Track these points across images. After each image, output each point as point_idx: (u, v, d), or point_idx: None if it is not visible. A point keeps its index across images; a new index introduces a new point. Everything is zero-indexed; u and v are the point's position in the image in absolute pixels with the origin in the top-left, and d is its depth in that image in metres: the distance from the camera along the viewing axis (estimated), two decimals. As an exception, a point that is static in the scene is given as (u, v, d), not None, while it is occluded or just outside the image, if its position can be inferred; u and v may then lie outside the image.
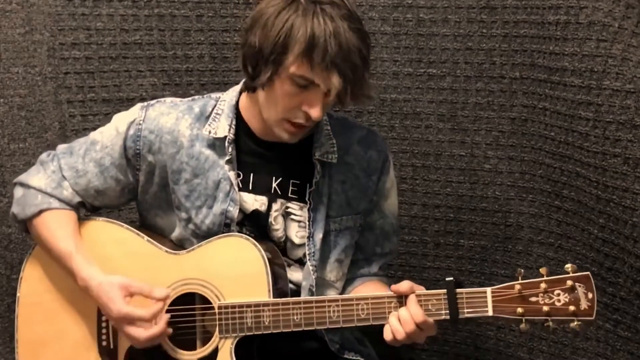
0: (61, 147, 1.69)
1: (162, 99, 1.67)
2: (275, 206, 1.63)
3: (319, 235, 1.63)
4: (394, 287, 1.49)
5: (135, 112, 1.65)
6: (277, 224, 1.63)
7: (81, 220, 1.66)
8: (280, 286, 1.58)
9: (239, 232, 1.61)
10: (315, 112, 1.47)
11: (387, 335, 1.48)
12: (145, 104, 1.66)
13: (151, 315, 1.50)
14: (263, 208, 1.63)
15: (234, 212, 1.60)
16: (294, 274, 1.64)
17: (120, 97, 2.10)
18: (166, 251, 1.61)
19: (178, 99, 1.68)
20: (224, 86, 2.14)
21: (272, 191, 1.63)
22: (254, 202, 1.62)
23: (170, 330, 1.54)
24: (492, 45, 1.98)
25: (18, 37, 1.99)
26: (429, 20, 2.02)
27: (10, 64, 1.99)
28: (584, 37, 1.77)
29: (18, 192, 1.66)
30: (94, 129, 1.75)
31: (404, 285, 1.48)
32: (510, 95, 1.99)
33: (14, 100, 2.00)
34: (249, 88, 1.59)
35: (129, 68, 2.10)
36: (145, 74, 2.11)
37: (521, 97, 1.97)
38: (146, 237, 1.62)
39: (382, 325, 1.51)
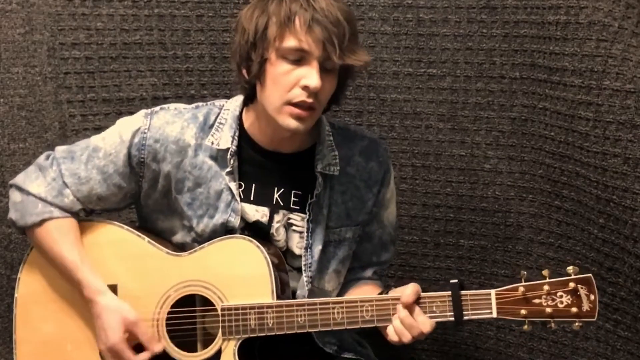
0: (60, 151, 1.65)
1: (166, 106, 1.66)
2: (277, 217, 1.63)
3: (317, 247, 1.63)
4: (402, 300, 1.47)
5: (139, 119, 1.63)
6: (278, 235, 1.63)
7: (82, 222, 1.65)
8: (287, 294, 1.59)
9: None
10: (312, 81, 1.46)
11: (392, 336, 1.48)
12: (149, 111, 1.65)
13: None
14: (264, 219, 1.62)
15: (235, 222, 1.60)
16: (292, 282, 1.64)
17: (120, 97, 2.10)
18: (167, 253, 1.60)
19: (182, 106, 1.66)
20: (224, 86, 2.14)
21: (274, 202, 1.62)
22: (255, 213, 1.62)
23: None
24: (492, 45, 1.98)
25: (18, 37, 1.99)
26: (429, 20, 2.02)
27: (10, 64, 1.99)
28: (584, 37, 1.77)
29: (15, 196, 1.63)
30: (94, 129, 1.75)
31: (410, 296, 1.47)
32: (510, 95, 1.99)
33: (14, 100, 2.00)
34: (249, 97, 1.61)
35: (129, 68, 2.10)
36: (145, 74, 2.11)
37: (521, 97, 1.97)
38: (147, 239, 1.61)
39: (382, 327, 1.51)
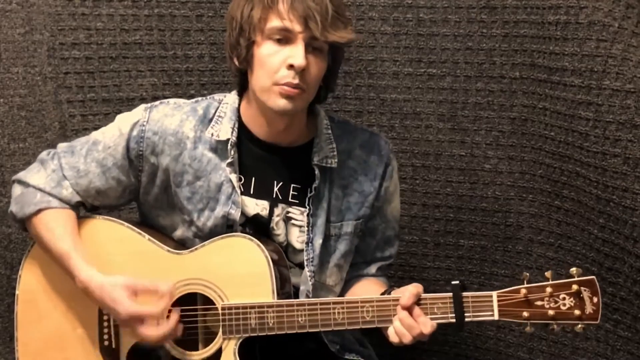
0: (62, 146, 1.67)
1: (166, 100, 1.67)
2: (277, 211, 1.63)
3: (318, 241, 1.63)
4: (401, 302, 1.47)
5: (138, 113, 1.64)
6: (278, 229, 1.63)
7: (81, 218, 1.65)
8: (287, 290, 1.59)
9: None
10: (296, 59, 1.47)
11: (394, 338, 1.48)
12: (149, 105, 1.65)
13: (161, 311, 1.50)
14: (264, 213, 1.62)
15: (236, 214, 1.60)
16: (293, 278, 1.64)
17: (120, 97, 2.10)
18: (168, 251, 1.60)
19: (181, 100, 1.67)
20: (224, 86, 2.14)
21: (274, 195, 1.63)
22: (255, 206, 1.62)
23: (181, 327, 1.54)
24: (492, 45, 1.98)
25: (18, 37, 1.99)
26: (429, 20, 2.02)
27: (10, 64, 1.99)
28: (584, 37, 1.77)
29: (16, 190, 1.65)
30: (94, 128, 1.74)
31: (410, 298, 1.46)
32: (510, 95, 1.99)
33: (14, 100, 2.00)
34: (242, 87, 1.63)
35: (129, 68, 2.10)
36: (145, 74, 2.11)
37: (521, 97, 1.97)
38: (147, 236, 1.61)
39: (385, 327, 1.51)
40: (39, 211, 1.61)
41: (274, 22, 1.49)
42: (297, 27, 1.48)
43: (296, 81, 1.49)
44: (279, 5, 1.48)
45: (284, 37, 1.49)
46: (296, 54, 1.48)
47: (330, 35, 1.48)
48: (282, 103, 1.51)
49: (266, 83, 1.51)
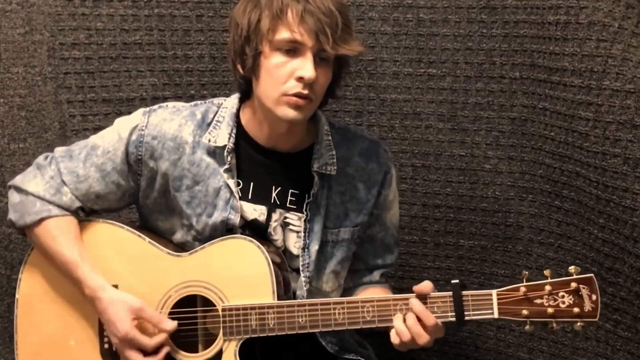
0: (59, 150, 1.66)
1: (165, 104, 1.67)
2: (274, 216, 1.63)
3: (314, 247, 1.62)
4: (416, 287, 1.48)
5: (137, 117, 1.64)
6: (276, 235, 1.63)
7: (82, 222, 1.65)
8: (290, 295, 1.59)
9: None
10: (306, 72, 1.47)
11: (394, 339, 1.49)
12: (148, 109, 1.65)
13: (154, 346, 1.54)
14: (262, 218, 1.62)
15: (235, 219, 1.60)
16: (291, 283, 1.64)
17: (120, 97, 2.10)
18: (168, 253, 1.60)
19: (180, 104, 1.67)
20: (224, 86, 2.14)
21: (272, 201, 1.62)
22: (253, 211, 1.62)
23: None
24: (492, 45, 1.98)
25: (18, 37, 1.99)
26: (429, 20, 2.02)
27: (10, 64, 1.98)
28: (584, 37, 1.77)
29: (14, 197, 1.64)
30: (94, 129, 1.74)
31: (427, 286, 1.48)
32: (510, 95, 1.99)
33: (14, 100, 2.00)
34: (245, 93, 1.62)
35: (129, 68, 2.10)
36: (145, 74, 2.11)
37: (521, 97, 1.97)
38: (148, 239, 1.61)
39: (385, 328, 1.51)
40: (40, 220, 1.61)
41: (283, 34, 1.47)
42: (307, 41, 1.47)
43: (306, 92, 1.49)
44: (288, 16, 1.46)
45: (293, 49, 1.48)
46: (306, 66, 1.47)
47: (341, 48, 1.48)
48: (291, 114, 1.50)
49: (274, 94, 1.50)
